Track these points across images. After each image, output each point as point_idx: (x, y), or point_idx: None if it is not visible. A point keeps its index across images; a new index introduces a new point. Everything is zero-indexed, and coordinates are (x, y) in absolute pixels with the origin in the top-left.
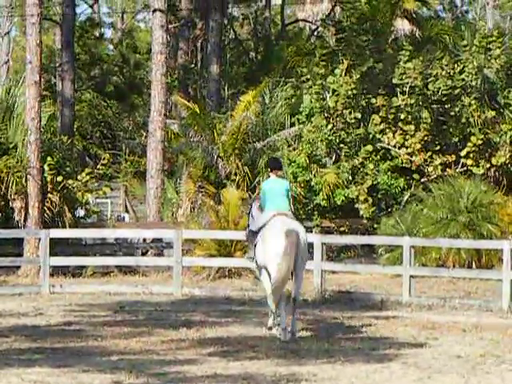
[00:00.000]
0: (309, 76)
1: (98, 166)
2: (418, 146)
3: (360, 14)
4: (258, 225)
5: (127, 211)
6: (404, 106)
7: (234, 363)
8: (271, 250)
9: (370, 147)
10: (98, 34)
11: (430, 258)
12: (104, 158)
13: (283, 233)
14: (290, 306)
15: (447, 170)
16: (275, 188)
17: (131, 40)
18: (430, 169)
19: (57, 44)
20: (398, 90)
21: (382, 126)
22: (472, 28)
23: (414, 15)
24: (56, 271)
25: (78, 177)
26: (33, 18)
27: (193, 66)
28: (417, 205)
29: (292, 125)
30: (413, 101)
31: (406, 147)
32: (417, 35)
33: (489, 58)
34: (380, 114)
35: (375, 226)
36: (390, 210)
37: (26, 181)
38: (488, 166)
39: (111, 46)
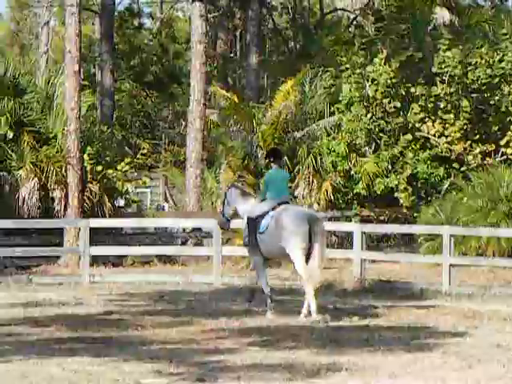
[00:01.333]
0: (348, 65)
1: (138, 156)
2: (458, 134)
3: (399, 2)
4: (256, 212)
5: (167, 201)
6: (443, 95)
7: (274, 352)
8: (296, 237)
9: (409, 136)
10: (137, 24)
11: (469, 247)
12: (144, 148)
13: (306, 220)
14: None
15: (487, 158)
16: (278, 178)
17: (170, 30)
18: (470, 158)
19: (96, 34)
20: (438, 78)
21: (421, 115)
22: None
23: (453, 4)
24: (96, 261)
25: (118, 166)
26: (72, 8)
27: (232, 55)
28: (456, 194)
29: (331, 114)
30: (452, 90)
31: (446, 136)
32: (456, 24)
33: None
34: (419, 102)
35: (415, 215)
36: (429, 198)
37: (65, 170)
38: None
39: (150, 36)
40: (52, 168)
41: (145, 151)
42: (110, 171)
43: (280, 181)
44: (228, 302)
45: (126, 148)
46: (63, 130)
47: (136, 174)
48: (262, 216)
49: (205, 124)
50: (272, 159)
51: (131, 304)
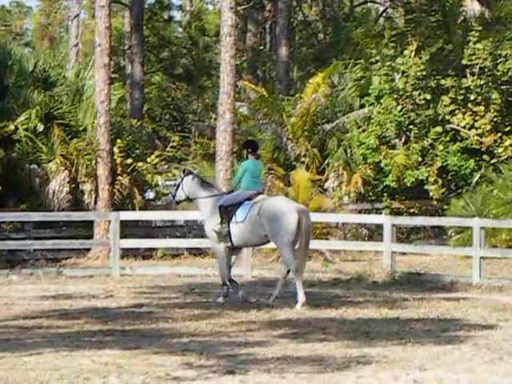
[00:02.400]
0: (378, 57)
1: (168, 149)
2: (488, 126)
3: None
4: (229, 201)
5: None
6: (474, 87)
7: (304, 345)
8: (286, 227)
9: (439, 128)
10: (166, 17)
11: (500, 239)
12: (173, 141)
13: (295, 211)
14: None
15: None
16: (256, 169)
17: (200, 22)
18: (500, 150)
19: (126, 27)
20: (468, 70)
21: (451, 107)
22: None
23: None
24: (126, 253)
25: (148, 159)
26: (102, 0)
27: (261, 48)
28: (487, 186)
29: (361, 106)
30: (482, 82)
31: (476, 128)
32: (486, 16)
33: None
34: (449, 95)
35: (445, 207)
36: (459, 191)
37: (95, 163)
38: None
39: (180, 29)
40: (82, 161)
41: (174, 144)
42: (139, 164)
43: (256, 172)
44: (258, 295)
45: (156, 141)
46: (93, 122)
47: (166, 166)
48: (236, 205)
49: (234, 117)
50: (250, 150)
51: (161, 297)
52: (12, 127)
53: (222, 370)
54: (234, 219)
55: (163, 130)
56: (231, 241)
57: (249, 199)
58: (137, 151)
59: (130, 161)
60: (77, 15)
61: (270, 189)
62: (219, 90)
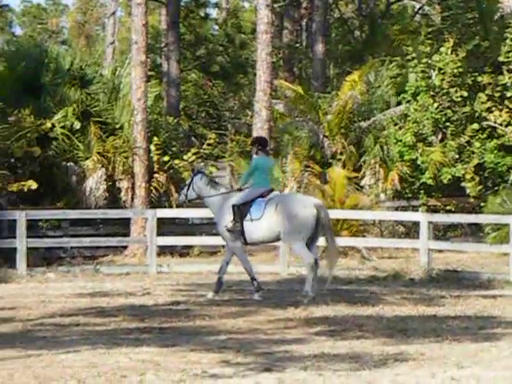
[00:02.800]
0: (414, 54)
1: (204, 146)
2: None
3: None
4: (243, 199)
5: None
6: (510, 84)
7: (341, 342)
8: (305, 222)
9: (476, 125)
10: (203, 14)
11: None
12: (210, 138)
13: (313, 206)
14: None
15: None
16: (266, 166)
17: (236, 20)
18: None
19: (162, 24)
20: (505, 67)
21: (488, 104)
22: None
23: None
24: (163, 251)
25: (185, 157)
26: None
27: (298, 45)
28: None
29: (398, 104)
30: None
31: None
32: None
33: None
34: (486, 92)
35: (482, 204)
36: (496, 188)
37: (132, 161)
38: None
39: (216, 26)
40: (119, 158)
41: (211, 141)
42: (176, 161)
43: (268, 169)
44: (294, 292)
45: (193, 138)
46: (130, 120)
47: (202, 164)
48: (249, 203)
49: (271, 114)
50: (260, 147)
51: (198, 294)
52: (49, 125)
53: (259, 368)
54: (248, 217)
55: (199, 127)
56: (244, 238)
57: (261, 196)
58: (173, 149)
59: (166, 158)
60: (113, 13)
61: (307, 186)
62: (255, 87)
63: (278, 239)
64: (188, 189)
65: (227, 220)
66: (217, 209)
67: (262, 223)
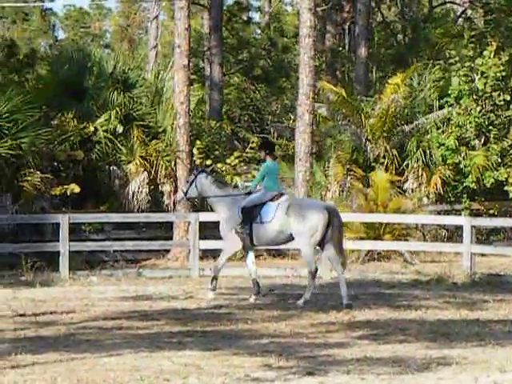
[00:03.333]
0: (457, 58)
1: (247, 150)
2: None
3: None
4: (253, 201)
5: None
6: None
7: (384, 346)
8: (316, 226)
9: None
10: (245, 18)
11: None
12: (252, 142)
13: (325, 209)
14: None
15: None
16: (275, 170)
17: (278, 23)
18: None
19: (205, 28)
20: None
21: None
22: None
23: None
24: (205, 254)
25: (227, 160)
26: (181, 2)
27: (340, 48)
28: None
29: (440, 107)
30: None
31: None
32: None
33: None
34: None
35: None
36: None
37: (175, 164)
38: None
39: (259, 30)
40: (161, 162)
41: (254, 145)
42: (219, 165)
43: (276, 173)
44: (337, 296)
45: (235, 142)
46: (172, 124)
47: (245, 167)
48: (258, 206)
49: (313, 118)
50: (268, 151)
51: (241, 298)
52: (92, 129)
53: (301, 372)
54: (258, 219)
55: (242, 131)
56: (252, 240)
57: (271, 200)
58: (216, 152)
59: (209, 162)
60: (156, 17)
61: (349, 190)
62: (298, 91)
63: (287, 242)
64: (189, 186)
65: (236, 222)
66: (224, 209)
67: (272, 226)
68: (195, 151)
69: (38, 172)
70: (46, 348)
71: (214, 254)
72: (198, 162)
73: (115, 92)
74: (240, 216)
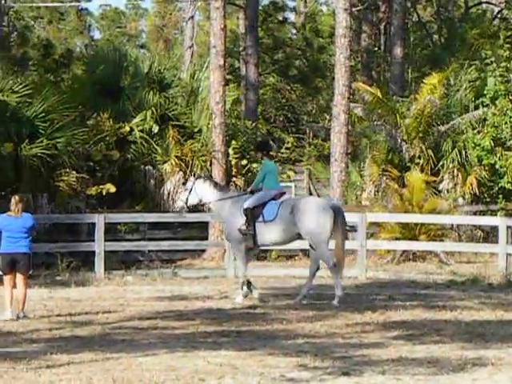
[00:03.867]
0: (493, 58)
1: (282, 150)
2: None
3: None
4: (255, 202)
5: (311, 195)
6: None
7: (419, 346)
8: (323, 224)
9: None
10: (281, 18)
11: None
12: (288, 142)
13: (330, 207)
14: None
15: None
16: (274, 170)
17: (314, 23)
18: None
19: (240, 28)
20: None
21: None
22: None
23: None
24: None
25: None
26: (217, 2)
27: (376, 49)
28: None
29: (476, 108)
30: None
31: None
32: None
33: None
34: None
35: None
36: None
37: (210, 165)
38: None
39: (294, 30)
40: (197, 162)
41: (289, 145)
42: (254, 165)
43: (275, 172)
44: (372, 296)
45: (271, 142)
46: (208, 124)
47: (281, 167)
48: (261, 205)
49: (349, 118)
50: (265, 152)
51: (276, 298)
52: (127, 128)
53: (336, 372)
54: (261, 219)
55: (277, 131)
56: (255, 241)
57: (273, 199)
58: (251, 152)
59: (244, 162)
60: (191, 17)
61: (385, 190)
62: (334, 91)
63: (291, 241)
64: (189, 194)
65: (240, 223)
66: (227, 211)
67: (276, 225)
68: (230, 151)
69: (74, 172)
70: (82, 348)
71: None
72: (233, 161)
73: (151, 92)
74: (243, 216)
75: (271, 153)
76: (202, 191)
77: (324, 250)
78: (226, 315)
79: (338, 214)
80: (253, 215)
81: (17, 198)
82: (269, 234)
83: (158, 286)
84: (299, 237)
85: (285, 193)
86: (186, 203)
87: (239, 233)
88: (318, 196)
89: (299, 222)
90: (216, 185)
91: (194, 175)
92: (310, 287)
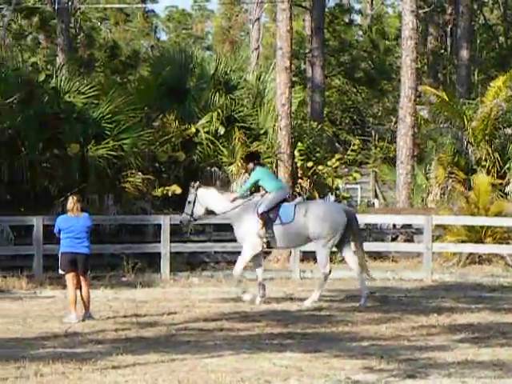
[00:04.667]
0: None
1: (348, 152)
2: None
3: None
4: (271, 204)
5: (377, 197)
6: None
7: (485, 350)
8: (336, 228)
9: None
10: (347, 20)
11: None
12: (354, 144)
13: (344, 212)
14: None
15: None
16: (267, 171)
17: (380, 25)
18: None
19: (306, 30)
20: None
21: None
22: None
23: None
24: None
25: (328, 162)
26: (283, 4)
27: (442, 51)
28: None
29: None
30: None
31: None
32: None
33: None
34: None
35: None
36: None
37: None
38: None
39: (360, 32)
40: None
41: (355, 147)
42: (320, 167)
43: (270, 173)
44: (438, 299)
45: (336, 144)
46: (274, 126)
47: (346, 170)
48: (275, 208)
49: (415, 120)
50: (256, 162)
51: (341, 300)
52: (193, 130)
53: (402, 374)
54: (278, 221)
55: (343, 133)
56: (272, 244)
57: (285, 200)
58: (317, 154)
59: (310, 164)
60: (258, 18)
61: (451, 193)
62: (400, 93)
63: (303, 245)
64: (193, 206)
65: (255, 227)
66: (235, 217)
67: (292, 227)
68: (296, 153)
69: (140, 173)
70: (147, 349)
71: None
72: (298, 164)
73: (217, 94)
74: (259, 221)
75: (261, 161)
76: (207, 200)
77: (324, 254)
78: (291, 317)
79: (351, 218)
80: (270, 218)
81: (75, 197)
82: (285, 236)
83: (223, 287)
84: (309, 240)
85: (297, 195)
86: (192, 215)
87: (257, 237)
88: (384, 199)
89: (311, 226)
90: (221, 192)
91: (194, 186)
92: (367, 289)
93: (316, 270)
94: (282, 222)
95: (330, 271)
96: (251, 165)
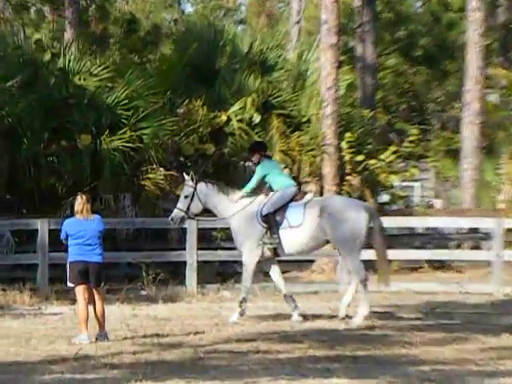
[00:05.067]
0: None
1: (405, 144)
2: None
3: None
4: (277, 205)
5: (438, 196)
6: None
7: None
8: (358, 229)
9: None
10: None
11: None
12: (411, 134)
13: (364, 209)
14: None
15: None
16: (276, 165)
17: None
18: None
19: (356, 1)
20: None
21: None
22: None
23: None
24: None
25: (382, 156)
26: None
27: None
28: None
29: None
30: None
31: None
32: None
33: None
34: None
35: None
36: None
37: (321, 160)
38: None
39: (419, 3)
40: (305, 157)
41: (413, 138)
42: (372, 162)
43: (279, 167)
44: (510, 316)
45: (391, 134)
46: (318, 113)
47: (403, 164)
48: (282, 208)
49: (483, 106)
50: (263, 153)
51: (397, 317)
52: (224, 118)
53: None
54: (286, 224)
55: (399, 121)
56: (281, 249)
57: (293, 200)
58: (369, 147)
59: (360, 158)
60: None
61: None
62: (465, 74)
63: (318, 249)
64: (191, 201)
65: (259, 232)
66: (239, 220)
67: (303, 231)
68: (344, 145)
69: (162, 169)
70: (170, 374)
71: (366, 265)
72: (347, 157)
73: (251, 75)
74: (263, 224)
75: (268, 152)
76: (207, 196)
77: (356, 259)
78: (338, 337)
79: (373, 216)
80: (276, 221)
81: (84, 197)
82: (297, 241)
83: (259, 302)
84: (327, 243)
85: (306, 192)
86: (187, 212)
87: (258, 244)
88: (447, 199)
89: (329, 228)
90: (224, 187)
91: (193, 179)
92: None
93: (369, 283)
94: (290, 226)
95: (367, 278)
96: (257, 157)
